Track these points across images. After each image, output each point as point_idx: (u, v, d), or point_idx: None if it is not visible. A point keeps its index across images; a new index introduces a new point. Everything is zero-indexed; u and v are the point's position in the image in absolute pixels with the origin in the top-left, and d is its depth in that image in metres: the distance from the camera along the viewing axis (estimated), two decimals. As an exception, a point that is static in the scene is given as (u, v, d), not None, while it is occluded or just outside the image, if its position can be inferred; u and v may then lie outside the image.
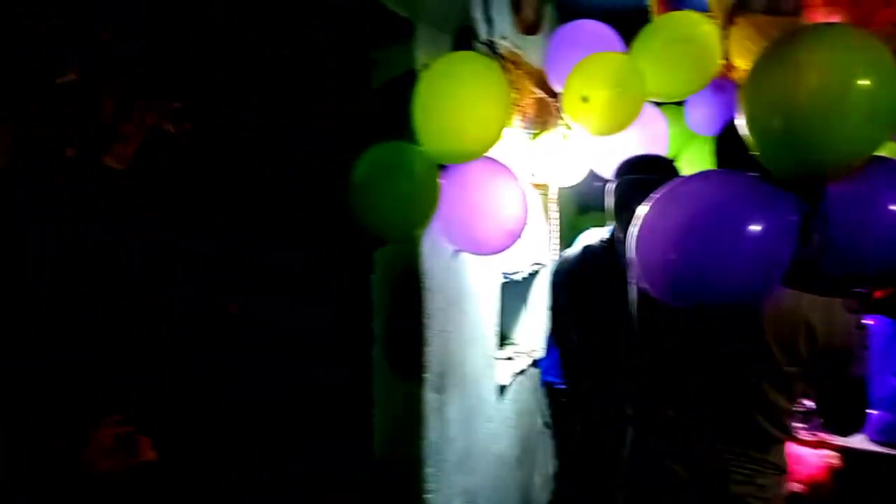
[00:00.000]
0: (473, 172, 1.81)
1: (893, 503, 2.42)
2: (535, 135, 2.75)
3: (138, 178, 1.41)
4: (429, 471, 1.99)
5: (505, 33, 2.44)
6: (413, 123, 1.67)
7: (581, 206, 3.75)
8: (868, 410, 1.47)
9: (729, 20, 1.68)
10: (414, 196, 1.64)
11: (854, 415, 1.48)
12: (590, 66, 2.12)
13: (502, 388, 2.67)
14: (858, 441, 2.49)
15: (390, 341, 1.96)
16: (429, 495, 1.99)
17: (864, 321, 1.35)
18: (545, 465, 3.11)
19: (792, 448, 2.44)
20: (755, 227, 1.16)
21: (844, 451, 2.44)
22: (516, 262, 2.75)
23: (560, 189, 3.06)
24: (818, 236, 1.20)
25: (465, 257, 2.19)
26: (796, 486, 2.36)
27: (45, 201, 1.23)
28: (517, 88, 2.53)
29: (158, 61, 1.43)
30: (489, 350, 2.52)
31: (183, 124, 1.47)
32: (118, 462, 1.24)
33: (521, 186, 1.90)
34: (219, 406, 1.69)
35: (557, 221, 3.13)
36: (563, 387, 2.64)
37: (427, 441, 1.98)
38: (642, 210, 1.29)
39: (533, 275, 3.12)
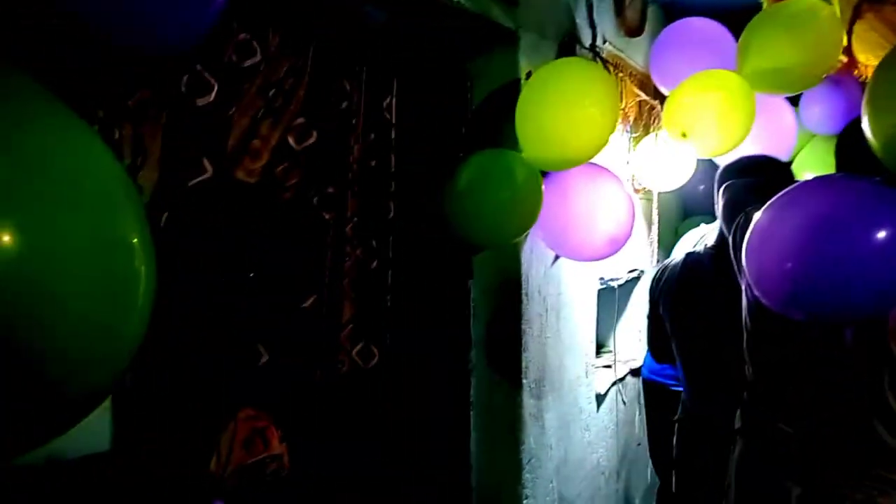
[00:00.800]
0: (576, 179, 1.80)
1: None
2: (637, 139, 2.69)
3: (268, 190, 1.50)
4: (526, 476, 1.99)
5: (607, 36, 2.41)
6: (516, 131, 1.69)
7: (684, 211, 3.64)
8: None
9: (856, 12, 1.57)
10: (515, 204, 1.65)
11: None
12: (689, 92, 2.00)
13: (600, 397, 2.63)
14: None
15: (489, 345, 1.98)
16: (526, 501, 1.99)
17: None
18: (645, 478, 3.03)
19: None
20: (879, 234, 1.09)
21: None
22: (614, 268, 2.71)
23: (661, 194, 2.98)
24: None
25: (563, 262, 2.18)
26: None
27: (191, 212, 1.33)
28: (622, 92, 2.49)
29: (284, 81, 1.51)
30: (587, 357, 2.49)
31: (306, 139, 1.56)
32: (251, 453, 1.33)
33: (625, 192, 1.87)
34: (343, 405, 1.77)
35: (658, 227, 3.05)
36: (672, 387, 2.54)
37: (525, 447, 1.98)
38: (757, 216, 1.24)
39: (632, 281, 3.05)
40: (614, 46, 2.46)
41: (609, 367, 2.89)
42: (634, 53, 2.70)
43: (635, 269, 3.01)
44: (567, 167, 1.74)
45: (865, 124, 1.15)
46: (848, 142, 1.35)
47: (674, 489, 2.26)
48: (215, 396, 1.38)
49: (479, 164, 1.73)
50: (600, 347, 3.18)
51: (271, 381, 1.54)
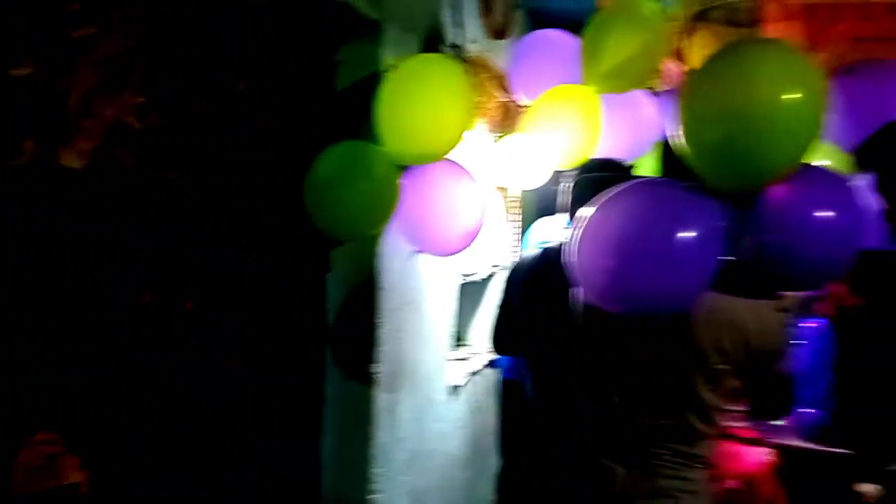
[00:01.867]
0: (433, 174, 1.81)
1: (825, 498, 2.51)
2: (500, 137, 2.77)
3: (98, 176, 1.37)
4: (377, 471, 1.99)
5: (474, 37, 2.45)
6: (375, 124, 1.67)
7: (544, 209, 3.79)
8: (792, 400, 1.59)
9: (690, 28, 1.71)
10: (372, 196, 1.64)
11: (781, 405, 1.61)
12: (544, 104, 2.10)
13: (455, 389, 2.68)
14: (793, 439, 2.58)
15: (344, 340, 1.95)
16: (375, 496, 1.99)
17: (791, 321, 1.42)
18: (494, 465, 3.14)
19: (729, 446, 2.52)
20: (684, 234, 1.22)
21: (780, 448, 2.52)
22: (475, 263, 2.77)
23: (523, 192, 3.09)
24: (749, 241, 1.26)
25: (424, 258, 2.20)
26: (732, 483, 2.43)
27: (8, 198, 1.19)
28: (483, 92, 2.54)
29: (122, 54, 1.39)
30: (443, 350, 2.54)
31: (147, 119, 1.44)
32: (41, 483, 1.19)
33: (478, 188, 1.92)
34: (165, 408, 1.66)
35: (519, 223, 3.16)
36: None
37: (377, 441, 1.98)
38: (582, 216, 1.34)
39: (492, 276, 3.14)
40: (481, 47, 2.51)
41: (466, 359, 2.96)
42: (500, 55, 2.77)
43: (497, 265, 3.10)
44: (424, 162, 1.75)
45: (676, 135, 1.27)
46: (669, 148, 1.48)
47: (512, 472, 2.37)
48: (13, 414, 1.24)
49: (337, 155, 1.70)
50: (460, 340, 3.26)
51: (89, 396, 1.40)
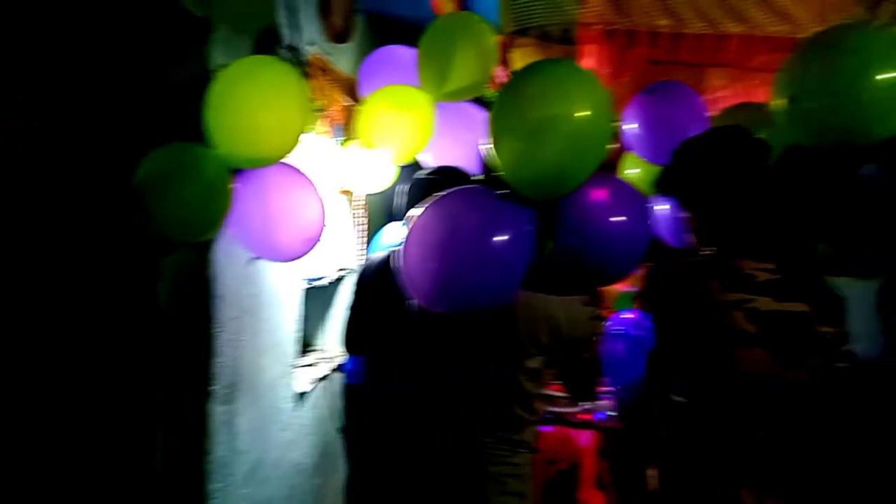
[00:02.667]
0: (269, 178, 1.78)
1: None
2: (345, 142, 2.77)
3: None
4: (214, 486, 1.92)
5: (313, 39, 2.43)
6: (205, 126, 1.61)
7: (390, 213, 3.83)
8: (596, 383, 1.80)
9: (510, 42, 1.82)
10: (202, 199, 1.58)
11: (589, 386, 1.80)
12: (375, 106, 2.16)
13: (302, 395, 2.64)
14: (613, 420, 2.82)
15: (178, 352, 1.86)
16: (214, 511, 1.92)
17: (598, 312, 1.57)
18: (343, 470, 3.13)
19: (559, 431, 2.72)
20: (497, 238, 1.31)
21: (604, 430, 2.76)
22: (320, 267, 2.75)
23: (368, 195, 3.11)
24: (552, 245, 1.37)
25: (264, 264, 2.15)
26: (562, 465, 2.62)
27: None
28: (325, 95, 2.53)
29: None
30: (287, 357, 2.49)
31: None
32: None
33: (318, 192, 1.91)
34: None
35: (365, 227, 3.17)
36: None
37: (213, 456, 1.91)
38: (409, 220, 1.39)
39: (339, 280, 3.13)
40: (321, 50, 2.50)
41: (314, 365, 2.93)
42: (342, 59, 2.77)
43: (344, 269, 3.09)
44: (257, 165, 1.71)
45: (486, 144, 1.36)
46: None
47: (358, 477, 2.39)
48: None
49: (164, 157, 1.62)
50: (308, 346, 3.22)
51: None
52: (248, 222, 1.80)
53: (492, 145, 1.35)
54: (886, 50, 1.50)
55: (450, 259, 1.34)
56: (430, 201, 1.42)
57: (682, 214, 1.62)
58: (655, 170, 2.05)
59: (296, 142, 1.70)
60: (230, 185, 1.68)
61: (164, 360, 1.85)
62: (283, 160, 1.81)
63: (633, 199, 1.48)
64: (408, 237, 1.39)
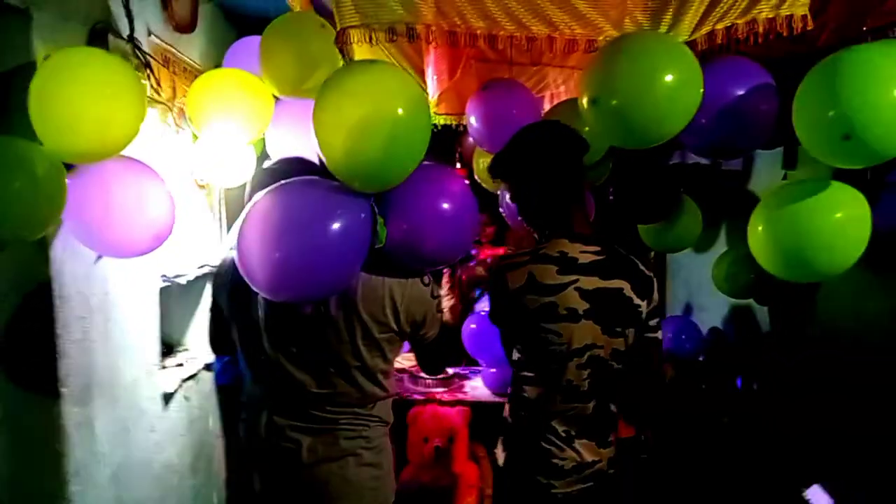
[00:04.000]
0: (107, 172, 1.75)
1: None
2: (197, 135, 2.72)
3: None
4: (74, 489, 1.86)
5: (153, 29, 2.38)
6: (31, 120, 1.56)
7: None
8: (443, 359, 1.89)
9: (347, 39, 1.87)
10: (27, 197, 1.52)
11: (439, 361, 1.90)
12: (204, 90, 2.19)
13: (167, 396, 2.59)
14: (483, 395, 2.99)
15: (16, 356, 1.78)
16: (72, 516, 1.87)
17: (436, 292, 1.68)
18: (221, 470, 3.10)
19: (434, 408, 2.84)
20: (338, 226, 1.39)
21: (474, 405, 2.91)
22: (178, 265, 2.69)
23: (227, 190, 3.07)
24: (381, 232, 1.48)
25: (114, 262, 2.10)
26: (439, 441, 2.74)
27: None
28: (170, 86, 2.48)
29: None
30: (148, 357, 2.44)
31: None
32: None
33: (165, 186, 1.89)
34: None
35: (225, 223, 3.13)
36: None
37: (70, 458, 1.85)
38: (247, 210, 1.44)
39: (203, 277, 3.07)
40: (162, 40, 2.44)
41: (181, 365, 2.87)
42: (189, 49, 2.72)
43: (205, 265, 3.03)
44: (93, 160, 1.68)
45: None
46: None
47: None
48: None
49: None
50: (174, 346, 3.14)
51: None
52: (87, 219, 1.76)
53: (316, 142, 1.43)
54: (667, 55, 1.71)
55: (289, 247, 1.39)
56: (265, 191, 1.47)
57: (514, 200, 1.78)
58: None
59: (129, 136, 1.69)
60: (63, 181, 1.63)
61: (5, 364, 1.78)
62: (123, 154, 1.79)
63: (457, 186, 1.61)
64: (243, 227, 1.43)
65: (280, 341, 1.63)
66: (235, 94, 2.14)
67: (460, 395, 2.96)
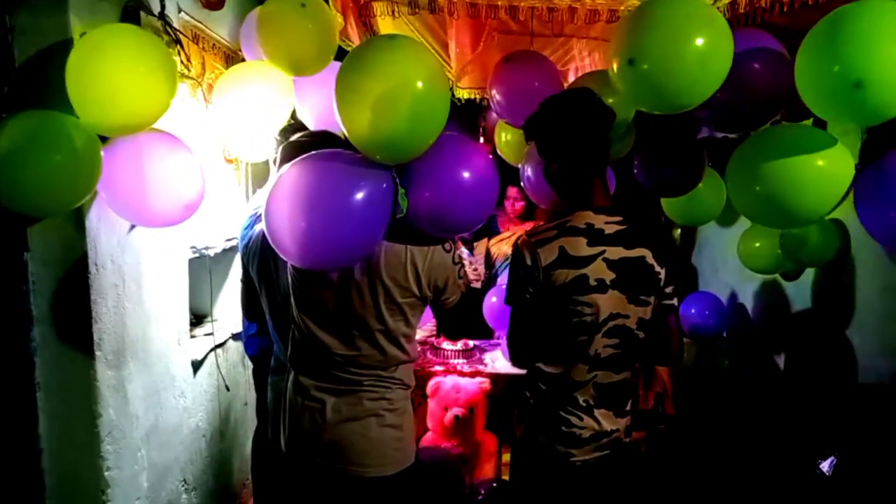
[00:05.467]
0: (139, 144, 1.81)
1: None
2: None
3: None
4: (107, 448, 1.96)
5: (183, 7, 2.43)
6: (68, 94, 1.63)
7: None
8: (470, 322, 1.93)
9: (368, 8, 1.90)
10: (66, 169, 1.60)
11: (460, 327, 1.93)
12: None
13: (197, 363, 2.69)
14: (503, 367, 3.04)
15: (57, 321, 1.87)
16: (109, 472, 1.96)
17: (458, 259, 1.72)
18: (246, 437, 3.20)
19: (453, 379, 2.90)
20: (361, 196, 1.44)
21: (494, 377, 2.96)
22: (208, 236, 2.77)
23: (253, 164, 3.14)
24: (402, 201, 1.52)
25: (144, 231, 2.17)
26: (459, 411, 2.81)
27: None
28: (200, 63, 2.54)
29: None
30: (178, 326, 2.52)
31: None
32: None
33: (194, 158, 1.96)
34: None
35: (253, 195, 3.19)
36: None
37: (104, 419, 1.95)
38: (274, 181, 1.49)
39: (230, 250, 3.15)
40: (192, 17, 2.50)
41: (210, 334, 2.96)
42: (217, 26, 2.77)
43: (233, 238, 3.11)
44: (126, 132, 1.74)
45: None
46: None
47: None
48: None
49: (23, 126, 1.62)
50: (203, 317, 3.23)
51: None
52: (120, 189, 1.84)
53: (338, 117, 1.47)
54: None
55: (315, 218, 1.45)
56: (292, 164, 1.52)
57: (544, 165, 1.80)
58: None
59: (161, 110, 1.75)
60: (98, 153, 1.70)
61: (46, 330, 1.86)
62: (155, 127, 1.85)
63: (476, 155, 1.64)
64: (270, 199, 1.49)
65: (307, 306, 1.69)
66: (255, 79, 2.20)
67: (480, 367, 3.01)
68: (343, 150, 1.57)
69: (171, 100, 1.77)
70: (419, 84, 1.41)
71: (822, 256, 2.75)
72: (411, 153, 1.50)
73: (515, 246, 1.74)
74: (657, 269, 1.70)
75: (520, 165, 2.68)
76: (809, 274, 3.03)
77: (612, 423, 1.73)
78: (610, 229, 1.67)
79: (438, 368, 3.01)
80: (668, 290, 1.76)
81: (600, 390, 1.71)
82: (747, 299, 3.61)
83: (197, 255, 2.73)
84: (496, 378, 2.97)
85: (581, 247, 1.65)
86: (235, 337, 3.13)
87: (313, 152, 1.55)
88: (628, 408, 1.78)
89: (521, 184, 2.70)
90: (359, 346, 1.66)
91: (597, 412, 1.71)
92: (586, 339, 1.67)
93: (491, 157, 1.67)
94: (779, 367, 3.21)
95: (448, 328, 1.92)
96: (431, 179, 1.54)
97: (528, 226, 3.65)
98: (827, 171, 1.82)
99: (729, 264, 3.70)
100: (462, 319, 1.84)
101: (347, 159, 1.50)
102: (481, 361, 3.11)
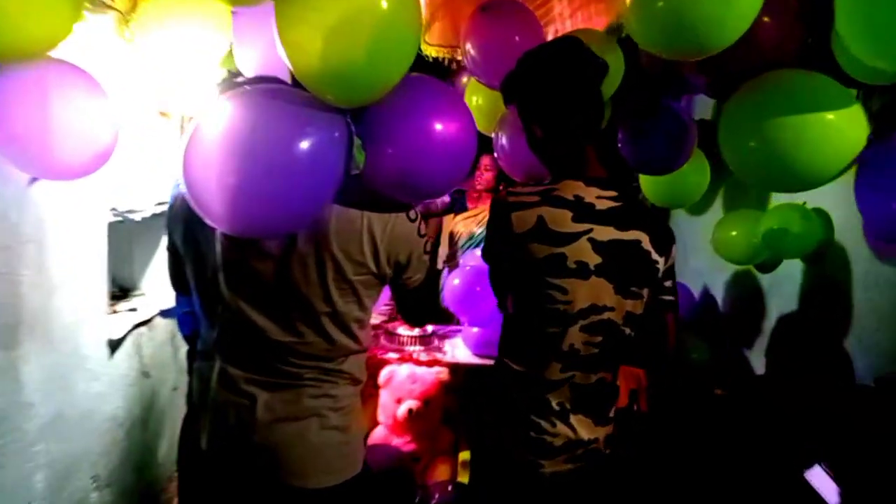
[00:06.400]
0: (36, 76, 1.47)
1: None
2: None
3: None
4: (-6, 443, 1.63)
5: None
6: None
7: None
8: (437, 306, 1.65)
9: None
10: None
11: (424, 311, 1.62)
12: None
13: (115, 342, 2.35)
14: (464, 357, 2.78)
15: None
16: (-8, 473, 1.63)
17: (424, 230, 1.43)
18: (176, 424, 2.87)
19: (409, 368, 2.63)
20: (306, 145, 1.15)
21: (453, 367, 2.70)
22: (132, 198, 2.42)
23: (190, 119, 2.78)
24: (358, 155, 1.23)
25: (52, 187, 1.83)
26: (414, 404, 2.54)
27: None
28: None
29: None
30: (94, 300, 2.19)
31: None
32: None
33: (106, 99, 1.62)
34: None
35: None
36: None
37: (-12, 409, 1.61)
38: (194, 125, 1.18)
39: (163, 215, 2.80)
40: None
41: (134, 310, 2.62)
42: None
43: (165, 202, 2.76)
44: (16, 57, 1.40)
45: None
46: None
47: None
48: None
49: None
50: (129, 290, 2.89)
51: None
52: (12, 131, 1.49)
53: (280, 45, 1.16)
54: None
55: (247, 172, 1.14)
56: (216, 104, 1.21)
57: (524, 128, 1.53)
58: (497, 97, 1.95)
59: (60, 31, 1.41)
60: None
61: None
62: (59, 58, 1.51)
63: (452, 102, 1.35)
64: (189, 147, 1.18)
65: (239, 281, 1.38)
66: (184, 9, 1.85)
67: (439, 356, 2.75)
68: (286, 86, 1.26)
69: (75, 19, 1.43)
70: (384, 3, 1.11)
71: (803, 247, 2.59)
72: (371, 94, 1.21)
73: (493, 199, 1.50)
74: (654, 256, 1.45)
75: (493, 134, 2.41)
76: (786, 266, 2.87)
77: (590, 431, 1.49)
78: (602, 205, 1.42)
79: (392, 356, 2.73)
80: (667, 283, 1.52)
81: (577, 392, 1.47)
82: (718, 291, 3.45)
83: (120, 219, 2.38)
84: (456, 368, 2.71)
85: (564, 221, 1.39)
86: (165, 314, 2.78)
87: (246, 87, 1.24)
88: (611, 414, 1.54)
89: (495, 154, 2.43)
90: (300, 331, 1.36)
91: (573, 418, 1.47)
92: (558, 330, 1.42)
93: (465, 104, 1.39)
94: (750, 362, 3.05)
95: (409, 313, 1.62)
96: (395, 128, 1.24)
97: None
98: (840, 130, 1.58)
99: (700, 253, 3.53)
100: (426, 303, 1.56)
101: (291, 98, 1.19)
102: (440, 349, 2.85)
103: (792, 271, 2.76)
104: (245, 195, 1.15)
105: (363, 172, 1.28)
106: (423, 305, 1.56)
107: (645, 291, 1.46)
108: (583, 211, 1.40)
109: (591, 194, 1.42)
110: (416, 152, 1.25)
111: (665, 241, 1.48)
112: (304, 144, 1.15)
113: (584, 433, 1.47)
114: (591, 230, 1.40)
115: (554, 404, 1.45)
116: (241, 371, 1.41)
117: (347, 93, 1.19)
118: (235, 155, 1.14)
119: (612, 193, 1.44)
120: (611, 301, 1.42)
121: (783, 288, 2.85)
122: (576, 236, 1.39)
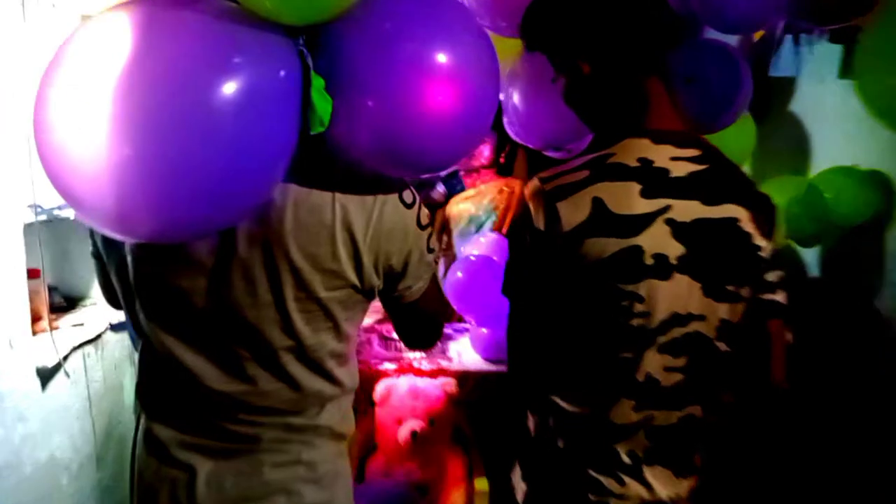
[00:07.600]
0: None
1: (507, 416, 2.37)
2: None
3: None
4: None
5: None
6: None
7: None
8: (437, 329, 1.22)
9: None
10: None
11: (430, 331, 1.21)
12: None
13: (47, 371, 1.93)
14: (472, 362, 2.38)
15: None
16: None
17: (425, 220, 1.00)
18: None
19: (409, 381, 2.22)
20: (243, 88, 0.71)
21: (461, 376, 2.30)
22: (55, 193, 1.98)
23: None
24: (319, 105, 0.79)
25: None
26: (417, 425, 2.13)
27: None
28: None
29: None
30: (12, 320, 1.76)
31: None
32: None
33: None
34: None
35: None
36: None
37: None
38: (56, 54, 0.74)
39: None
40: None
41: (81, 324, 2.20)
42: None
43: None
44: None
45: None
46: None
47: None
48: None
49: None
50: (77, 299, 2.46)
51: None
52: None
53: None
54: None
55: (138, 134, 0.70)
56: (99, 16, 0.76)
57: (561, 73, 1.10)
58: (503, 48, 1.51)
59: None
60: None
61: None
62: None
63: (463, 20, 0.90)
64: (41, 89, 0.74)
65: (158, 306, 0.95)
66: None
67: (444, 363, 2.33)
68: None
69: None
70: None
71: (857, 217, 2.21)
72: (336, 4, 0.77)
73: (520, 200, 1.04)
74: (757, 240, 1.03)
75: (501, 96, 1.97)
76: (834, 240, 2.47)
77: (670, 486, 1.07)
78: (679, 170, 0.99)
79: (389, 367, 2.31)
80: (773, 277, 1.10)
81: (656, 438, 1.05)
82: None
83: (46, 217, 1.95)
84: (464, 377, 2.30)
85: (632, 199, 0.96)
86: (116, 328, 2.35)
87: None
88: (696, 462, 1.13)
89: (504, 122, 1.98)
90: (250, 375, 0.94)
91: (647, 472, 1.06)
92: (632, 356, 1.00)
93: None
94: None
95: (411, 335, 1.18)
96: (377, 61, 0.80)
97: (507, 183, 2.91)
98: None
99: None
100: (433, 320, 1.13)
101: (208, 10, 0.75)
102: (444, 355, 2.43)
103: (841, 246, 2.36)
104: (140, 173, 0.71)
105: (330, 132, 0.83)
106: (428, 323, 1.13)
107: (745, 291, 1.04)
108: (654, 180, 0.98)
109: (664, 155, 1.00)
110: (411, 99, 0.81)
111: (770, 218, 1.05)
112: (232, 87, 0.71)
113: (663, 490, 1.06)
114: (668, 207, 0.97)
115: (623, 455, 1.04)
116: (174, 431, 0.99)
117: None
118: (120, 105, 0.70)
119: (694, 152, 1.01)
120: (698, 307, 1.00)
121: (832, 265, 2.45)
122: (650, 218, 0.96)
